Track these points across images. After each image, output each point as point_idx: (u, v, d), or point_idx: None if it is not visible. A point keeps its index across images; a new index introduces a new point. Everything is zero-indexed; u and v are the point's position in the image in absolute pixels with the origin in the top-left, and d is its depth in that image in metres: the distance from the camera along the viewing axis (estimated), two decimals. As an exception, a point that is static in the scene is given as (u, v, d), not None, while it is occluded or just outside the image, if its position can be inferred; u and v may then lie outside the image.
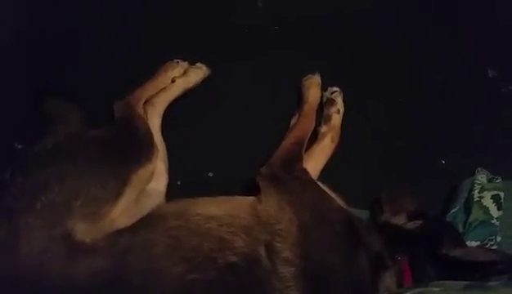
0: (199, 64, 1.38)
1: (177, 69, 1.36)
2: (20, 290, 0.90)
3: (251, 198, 1.07)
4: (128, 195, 1.04)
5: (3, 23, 1.42)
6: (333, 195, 1.11)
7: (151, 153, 1.12)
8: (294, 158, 1.14)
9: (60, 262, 0.91)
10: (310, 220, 0.99)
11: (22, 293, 0.90)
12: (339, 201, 1.10)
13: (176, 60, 1.37)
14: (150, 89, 1.30)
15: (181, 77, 1.35)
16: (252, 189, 1.10)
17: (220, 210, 1.02)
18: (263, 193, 1.06)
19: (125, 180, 1.03)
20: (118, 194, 1.01)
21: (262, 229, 0.98)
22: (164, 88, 1.33)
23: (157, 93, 1.31)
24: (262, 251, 0.94)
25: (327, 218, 1.01)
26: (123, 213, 1.02)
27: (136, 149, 1.10)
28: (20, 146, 1.30)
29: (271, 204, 1.03)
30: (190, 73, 1.36)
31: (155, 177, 1.16)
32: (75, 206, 0.96)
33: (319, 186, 1.11)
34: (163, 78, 1.34)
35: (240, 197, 1.10)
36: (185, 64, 1.37)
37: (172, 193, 1.20)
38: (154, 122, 1.27)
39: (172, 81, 1.34)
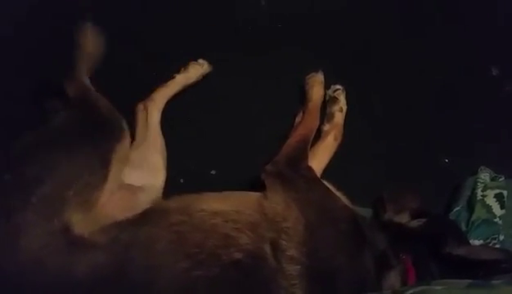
0: (200, 61, 1.38)
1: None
2: (21, 286, 0.90)
3: (257, 194, 1.06)
4: (113, 175, 1.03)
5: (4, 21, 1.42)
6: (338, 194, 1.11)
7: (122, 127, 1.11)
8: (300, 156, 1.14)
9: (60, 258, 0.91)
10: (316, 218, 0.99)
11: (24, 289, 0.90)
12: (343, 199, 1.10)
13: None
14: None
15: (181, 73, 1.35)
16: (254, 187, 1.10)
17: (225, 206, 1.01)
18: (269, 190, 1.05)
19: (107, 160, 1.03)
20: (103, 176, 1.01)
21: (268, 227, 0.97)
22: (164, 84, 1.33)
23: (157, 89, 1.32)
24: (267, 248, 0.94)
25: (333, 217, 1.01)
26: (115, 203, 1.02)
27: (107, 127, 1.09)
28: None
29: (277, 201, 1.02)
30: (190, 68, 1.36)
31: (152, 171, 1.17)
32: (68, 196, 0.96)
33: (324, 185, 1.11)
34: None
35: (245, 192, 1.09)
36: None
37: (174, 191, 1.18)
38: (154, 117, 1.28)
39: (173, 77, 1.34)
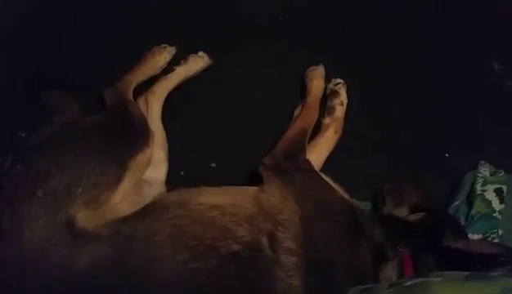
0: (201, 53, 1.38)
1: (164, 53, 1.36)
2: (23, 277, 0.91)
3: (254, 188, 1.07)
4: (128, 181, 1.05)
5: (4, 15, 1.43)
6: (335, 186, 1.11)
7: (148, 138, 1.12)
8: (298, 149, 1.15)
9: (63, 249, 0.92)
10: (312, 210, 1.00)
11: (26, 280, 0.91)
12: (341, 192, 1.10)
13: (163, 45, 1.37)
14: (139, 74, 1.31)
15: (181, 66, 1.35)
16: (254, 180, 1.11)
17: (223, 199, 1.02)
18: (266, 184, 1.06)
19: (124, 166, 1.05)
20: (117, 180, 1.03)
21: (264, 219, 0.98)
22: (165, 76, 1.34)
23: (157, 81, 1.32)
24: (264, 240, 0.95)
25: (329, 209, 1.02)
26: (123, 200, 1.03)
27: (132, 135, 1.11)
28: (24, 134, 1.30)
29: (274, 194, 1.03)
30: (190, 61, 1.36)
31: (156, 166, 1.17)
32: (76, 193, 0.97)
33: (322, 177, 1.11)
34: (151, 63, 1.34)
35: (243, 187, 1.10)
36: (172, 49, 1.37)
37: (175, 183, 1.20)
38: (155, 110, 1.28)
39: (173, 69, 1.34)
